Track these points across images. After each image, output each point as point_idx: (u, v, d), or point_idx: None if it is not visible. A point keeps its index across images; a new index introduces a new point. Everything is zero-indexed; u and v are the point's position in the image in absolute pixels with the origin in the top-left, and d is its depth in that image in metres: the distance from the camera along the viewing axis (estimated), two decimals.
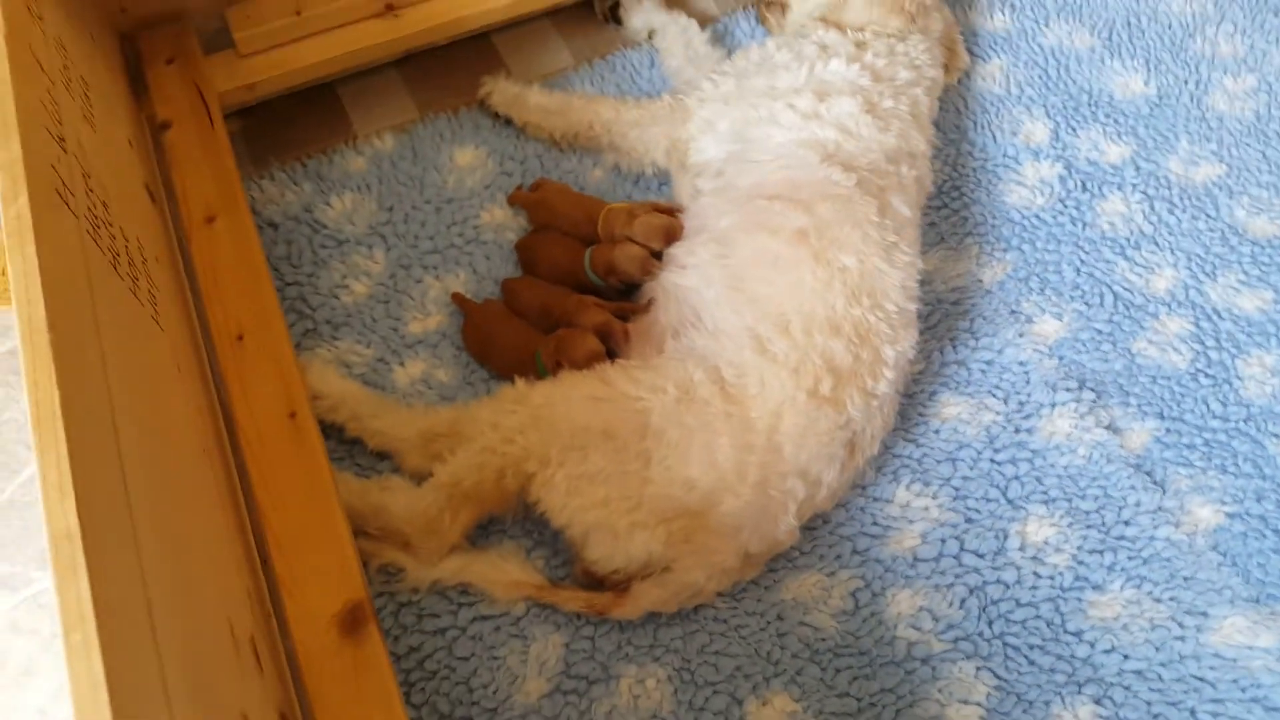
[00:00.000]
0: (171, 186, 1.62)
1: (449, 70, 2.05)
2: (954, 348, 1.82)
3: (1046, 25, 2.24)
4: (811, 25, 1.90)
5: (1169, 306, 1.89)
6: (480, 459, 1.50)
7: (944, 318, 1.86)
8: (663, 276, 1.66)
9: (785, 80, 1.78)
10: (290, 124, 1.98)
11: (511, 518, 1.57)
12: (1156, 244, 1.96)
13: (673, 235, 1.71)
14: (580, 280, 1.75)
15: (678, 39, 2.05)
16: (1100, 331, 1.86)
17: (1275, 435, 1.75)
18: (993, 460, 1.70)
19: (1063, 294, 1.90)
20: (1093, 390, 1.78)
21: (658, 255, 1.72)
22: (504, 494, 1.51)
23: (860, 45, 1.84)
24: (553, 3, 2.03)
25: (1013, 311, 1.87)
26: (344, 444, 1.66)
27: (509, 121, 1.98)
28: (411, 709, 1.46)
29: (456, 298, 1.78)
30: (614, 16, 2.12)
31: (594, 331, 1.62)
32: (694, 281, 1.62)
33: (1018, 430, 1.74)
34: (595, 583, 1.50)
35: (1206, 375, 1.82)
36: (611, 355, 1.63)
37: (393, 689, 1.26)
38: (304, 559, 1.32)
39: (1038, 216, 1.99)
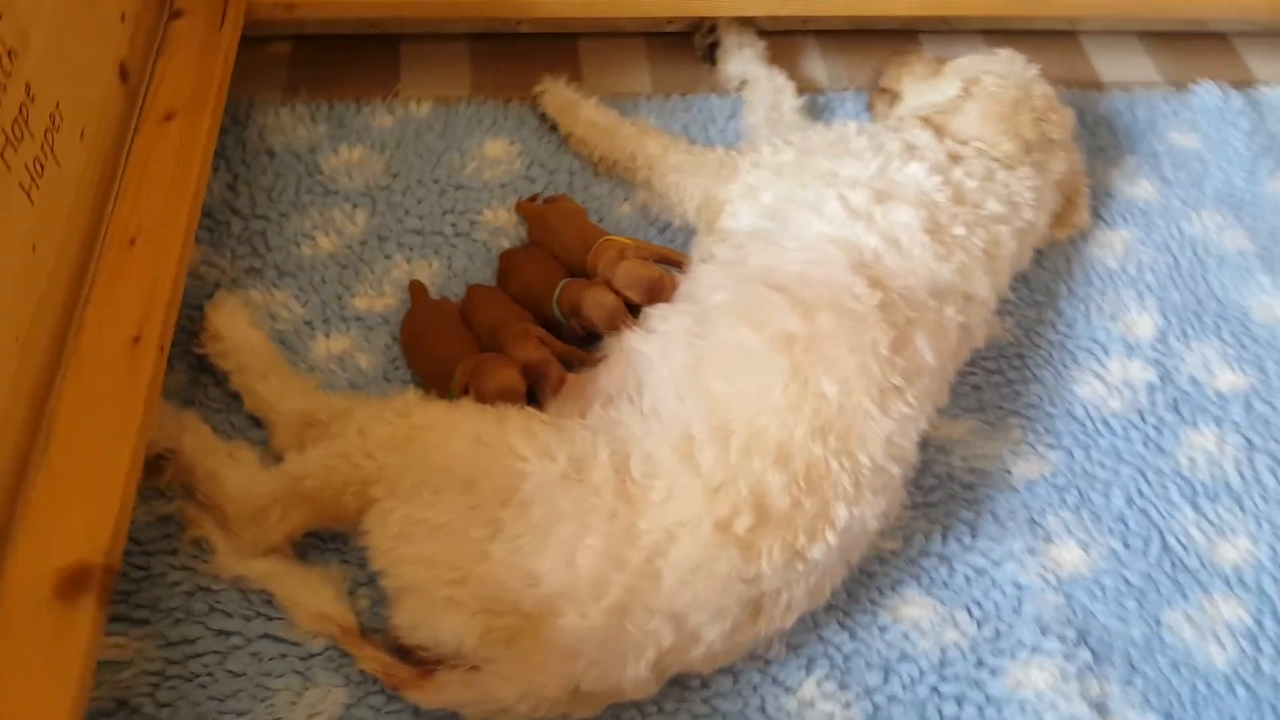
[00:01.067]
0: (153, 75, 1.42)
1: (520, 60, 1.81)
2: (944, 538, 1.44)
3: (1196, 211, 1.84)
4: (910, 121, 1.58)
5: (1229, 585, 1.43)
6: (332, 462, 1.22)
7: (947, 499, 1.48)
8: (627, 335, 1.36)
9: (850, 169, 1.46)
10: (339, 63, 1.78)
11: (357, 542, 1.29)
12: (1240, 505, 1.52)
13: (658, 292, 1.41)
14: (546, 311, 1.47)
15: (767, 96, 1.76)
16: (1130, 583, 1.42)
17: None
18: (935, 689, 1.30)
19: (1101, 522, 1.48)
20: (1092, 651, 1.35)
21: (637, 310, 1.42)
22: (342, 510, 1.22)
23: (954, 158, 1.50)
24: (639, 15, 1.77)
25: (1033, 521, 1.47)
26: (228, 395, 1.41)
27: (554, 128, 1.73)
28: (154, 705, 1.19)
29: (414, 286, 1.51)
30: (710, 55, 1.85)
31: (525, 369, 1.33)
32: (654, 350, 1.30)
33: (981, 664, 1.32)
34: (404, 651, 1.20)
35: (1248, 689, 1.34)
36: (534, 400, 1.34)
37: (80, 676, 0.98)
38: (66, 496, 1.07)
39: (1106, 422, 1.59)
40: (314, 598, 1.24)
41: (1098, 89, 1.99)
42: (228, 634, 1.24)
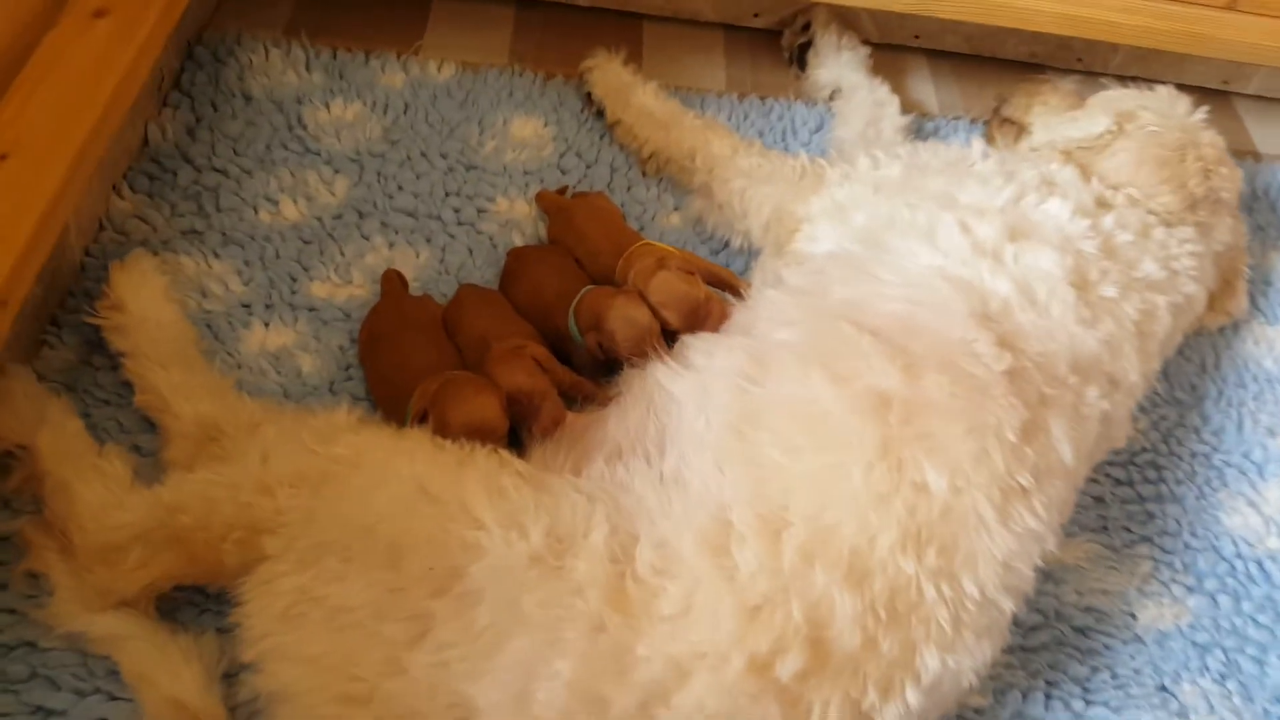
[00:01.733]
0: None
1: (571, 34, 1.45)
2: (1046, 698, 1.02)
3: None
4: (1047, 154, 1.20)
5: None
6: (216, 494, 0.84)
7: (1054, 645, 1.07)
8: (653, 367, 0.97)
9: (974, 194, 1.07)
10: (356, 10, 1.43)
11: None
12: None
13: (701, 318, 1.02)
14: (556, 325, 1.09)
15: (865, 109, 1.38)
16: None
17: None
18: None
19: (1254, 701, 1.07)
20: None
21: (672, 336, 1.04)
22: (220, 563, 0.84)
23: (1102, 204, 1.12)
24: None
25: (1163, 689, 1.06)
26: (124, 386, 1.04)
27: (600, 113, 1.36)
28: None
29: (390, 276, 1.14)
30: (801, 58, 1.48)
31: (510, 398, 0.95)
32: (687, 394, 0.91)
33: None
34: None
35: None
36: (515, 441, 0.95)
37: None
38: None
39: (1260, 564, 1.18)
40: (173, 678, 0.84)
41: (1255, 159, 1.60)
42: (48, 714, 0.86)
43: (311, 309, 1.13)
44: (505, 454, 0.87)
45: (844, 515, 0.79)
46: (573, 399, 1.01)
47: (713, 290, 1.06)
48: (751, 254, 1.24)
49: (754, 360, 0.91)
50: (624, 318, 1.01)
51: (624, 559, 0.77)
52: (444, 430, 0.89)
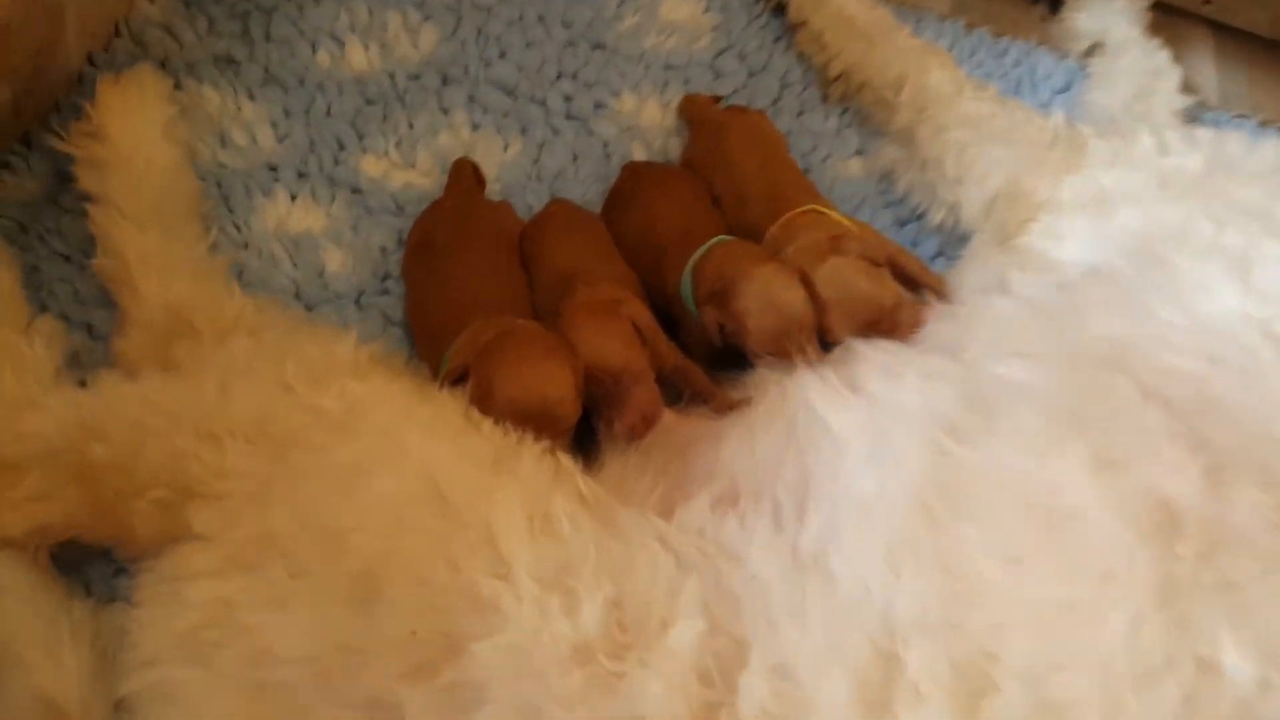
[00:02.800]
0: None
1: None
2: None
3: None
4: None
5: None
6: (151, 423, 0.59)
7: None
8: (803, 376, 0.69)
9: None
10: None
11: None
12: None
13: (882, 323, 0.73)
14: (665, 279, 0.80)
15: (1135, 76, 1.05)
16: None
17: None
18: None
19: None
20: None
21: (827, 343, 0.75)
22: (127, 525, 0.59)
23: None
24: None
25: None
26: (91, 240, 0.80)
27: (781, 8, 1.07)
28: None
29: (463, 168, 0.87)
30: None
31: (590, 373, 0.68)
32: (853, 433, 0.63)
33: None
34: None
35: None
36: (587, 430, 0.69)
37: None
38: None
39: None
40: (49, 661, 0.61)
41: None
42: None
43: (355, 189, 0.87)
44: (566, 460, 0.60)
45: (1085, 688, 0.50)
46: (676, 390, 0.73)
47: (903, 292, 0.76)
48: (949, 236, 0.93)
49: (966, 403, 0.61)
50: (766, 300, 0.71)
51: (721, 683, 0.49)
52: (486, 403, 0.62)
